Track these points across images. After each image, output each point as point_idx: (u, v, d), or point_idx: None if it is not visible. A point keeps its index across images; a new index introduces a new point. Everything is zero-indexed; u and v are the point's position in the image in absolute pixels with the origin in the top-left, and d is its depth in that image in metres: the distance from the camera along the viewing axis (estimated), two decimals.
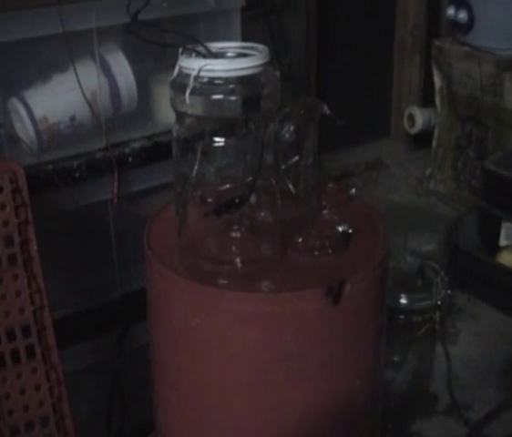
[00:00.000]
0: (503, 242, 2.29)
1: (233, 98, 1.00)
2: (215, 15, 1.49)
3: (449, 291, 1.73)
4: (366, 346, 1.18)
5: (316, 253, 1.17)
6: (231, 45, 1.10)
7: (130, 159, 1.45)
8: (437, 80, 2.81)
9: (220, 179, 1.14)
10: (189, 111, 1.01)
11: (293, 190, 1.22)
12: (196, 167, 1.09)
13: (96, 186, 1.42)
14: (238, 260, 1.12)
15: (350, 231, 1.21)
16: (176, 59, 1.09)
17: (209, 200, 1.12)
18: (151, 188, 1.54)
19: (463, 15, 2.57)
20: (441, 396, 1.85)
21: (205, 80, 1.00)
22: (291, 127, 1.19)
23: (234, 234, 1.14)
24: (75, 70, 1.33)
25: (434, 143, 2.91)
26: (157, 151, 1.49)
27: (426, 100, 3.19)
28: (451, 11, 2.64)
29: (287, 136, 1.20)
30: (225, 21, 1.50)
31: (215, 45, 1.08)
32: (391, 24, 3.25)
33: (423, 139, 3.17)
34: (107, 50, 1.42)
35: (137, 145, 1.46)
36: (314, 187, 1.30)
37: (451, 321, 2.09)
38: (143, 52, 1.51)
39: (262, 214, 1.15)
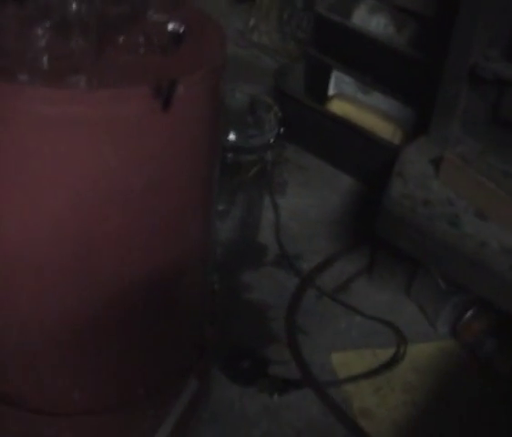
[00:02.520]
0: (332, 92, 2.18)
1: None
2: None
3: (282, 129, 1.57)
4: (200, 168, 0.99)
5: (141, 51, 0.95)
6: None
7: None
8: None
9: None
10: None
11: None
12: None
13: None
14: (44, 56, 0.87)
15: (181, 31, 0.99)
16: None
17: None
18: None
19: None
20: (270, 247, 1.73)
21: None
22: None
23: (40, 26, 0.89)
24: None
25: None
26: None
27: None
28: None
29: None
30: None
31: None
32: None
33: None
34: None
35: None
36: None
37: (278, 172, 1.95)
38: None
39: (74, 5, 0.90)
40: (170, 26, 1.00)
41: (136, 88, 0.85)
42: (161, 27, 1.00)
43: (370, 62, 2.12)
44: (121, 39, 0.97)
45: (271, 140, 1.52)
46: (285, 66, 2.33)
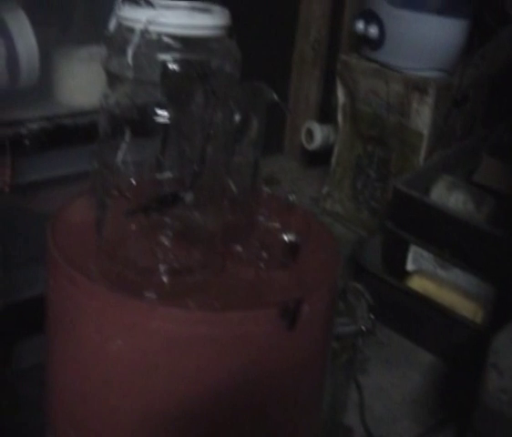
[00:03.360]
0: (410, 266, 2.19)
1: (184, 63, 0.80)
2: None
3: (373, 316, 1.58)
4: (316, 377, 1.00)
5: (262, 266, 0.98)
6: (177, 3, 0.89)
7: (27, 142, 1.20)
8: (341, 96, 2.71)
9: (150, 169, 0.93)
10: (129, 75, 0.79)
11: (235, 190, 1.02)
12: (124, 149, 0.87)
13: None
14: (169, 270, 0.91)
15: (298, 241, 1.03)
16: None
17: (136, 194, 0.91)
18: (48, 180, 1.29)
19: (373, 31, 2.48)
20: (356, 429, 1.70)
21: (153, 37, 0.78)
22: (238, 116, 0.99)
23: (165, 238, 0.93)
24: None
25: (333, 161, 2.79)
26: (58, 136, 1.25)
27: (323, 117, 3.09)
28: (360, 25, 2.54)
29: (231, 125, 1.00)
30: None
31: (157, 0, 0.87)
32: (291, 36, 3.12)
33: (318, 157, 3.06)
34: (5, 7, 1.17)
35: (35, 126, 1.22)
36: (252, 189, 1.11)
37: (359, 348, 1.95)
38: (46, 17, 1.27)
39: (200, 216, 0.95)
40: (287, 237, 1.03)
41: (264, 310, 0.87)
42: (277, 237, 1.03)
43: (449, 238, 2.14)
44: (239, 250, 1.01)
45: (363, 328, 1.53)
46: (362, 239, 2.37)
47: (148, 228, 0.93)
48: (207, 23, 0.79)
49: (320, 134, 2.93)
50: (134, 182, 0.90)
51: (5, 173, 1.15)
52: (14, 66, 1.18)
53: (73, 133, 1.23)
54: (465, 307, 2.03)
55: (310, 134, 2.97)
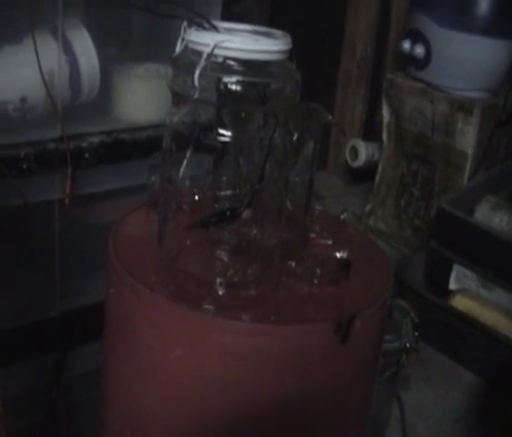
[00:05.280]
0: (453, 285, 2.19)
1: (247, 86, 0.83)
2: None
3: (417, 334, 1.59)
4: (365, 393, 1.02)
5: (316, 281, 1.01)
6: (239, 28, 0.92)
7: (87, 155, 1.24)
8: (386, 114, 2.72)
9: (210, 185, 0.96)
10: (194, 95, 0.83)
11: (290, 207, 1.05)
12: (185, 165, 0.91)
13: (45, 181, 1.21)
14: (227, 284, 0.94)
15: (350, 259, 1.05)
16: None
17: (196, 209, 0.95)
18: (105, 193, 1.33)
19: (420, 50, 2.49)
20: None
21: (218, 60, 0.82)
22: (295, 135, 1.03)
23: (223, 252, 0.96)
24: (34, 41, 1.12)
25: (377, 178, 2.81)
26: (117, 150, 1.30)
27: (367, 134, 3.11)
28: (407, 45, 2.55)
29: (289, 145, 1.03)
30: (205, 10, 1.32)
31: (221, 25, 0.91)
32: (337, 54, 3.15)
33: (361, 175, 3.08)
34: (69, 26, 1.22)
35: (95, 140, 1.27)
36: (306, 207, 1.14)
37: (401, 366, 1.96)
38: (106, 36, 1.31)
39: (258, 232, 0.98)
40: (339, 254, 1.06)
41: (319, 324, 0.90)
42: (330, 254, 1.06)
43: (492, 258, 2.14)
44: (294, 266, 1.04)
45: (407, 345, 1.54)
46: (405, 257, 2.38)
47: (207, 243, 0.97)
48: (270, 47, 0.83)
49: (364, 151, 2.95)
50: (195, 197, 0.94)
51: (65, 185, 1.20)
52: (76, 82, 1.23)
53: (130, 147, 1.27)
54: (507, 326, 2.03)
55: (354, 151, 2.99)
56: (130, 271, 0.95)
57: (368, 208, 2.86)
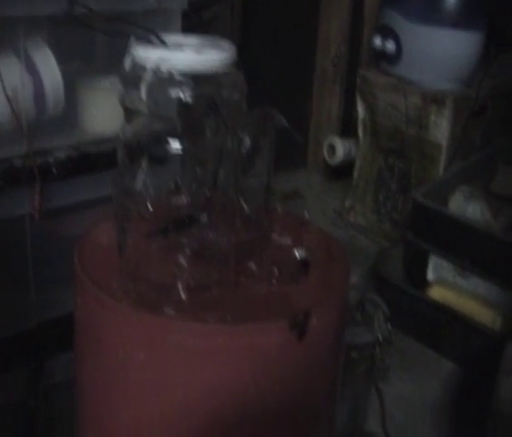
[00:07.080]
0: (430, 276, 2.23)
1: (196, 97, 0.87)
2: (154, 14, 1.35)
3: (390, 327, 1.63)
4: (328, 388, 1.06)
5: (274, 281, 1.04)
6: (187, 41, 0.96)
7: (54, 170, 1.27)
8: (361, 111, 2.76)
9: (166, 193, 1.00)
10: (144, 109, 0.86)
11: (248, 210, 1.09)
12: (142, 176, 0.94)
13: (13, 198, 1.24)
14: (186, 287, 0.97)
15: (309, 258, 1.09)
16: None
17: (154, 217, 0.98)
18: (74, 205, 1.36)
19: (390, 46, 2.53)
20: (377, 436, 1.75)
21: (164, 74, 0.85)
22: (247, 141, 1.06)
23: (182, 257, 1.00)
24: None
25: (355, 174, 2.85)
26: (84, 163, 1.33)
27: (345, 131, 3.15)
28: (378, 41, 2.59)
29: (242, 149, 1.07)
30: (165, 22, 1.36)
31: (169, 38, 0.94)
32: (312, 54, 3.18)
33: (340, 171, 3.12)
34: (32, 45, 1.25)
35: (62, 154, 1.30)
36: (265, 208, 1.17)
37: (380, 357, 1.99)
38: (70, 52, 1.35)
39: (214, 235, 1.01)
40: (298, 253, 1.09)
41: (274, 322, 0.93)
42: (289, 254, 1.10)
43: (467, 247, 2.18)
44: (253, 267, 1.07)
45: (380, 338, 1.58)
46: (384, 250, 2.42)
47: (167, 249, 1.00)
48: (214, 59, 0.86)
49: (341, 148, 2.98)
50: (152, 206, 0.97)
51: (34, 200, 1.24)
52: (41, 99, 1.26)
53: (97, 159, 1.31)
54: (483, 314, 2.07)
55: (332, 149, 3.03)
56: (94, 281, 0.98)
57: (348, 203, 2.90)
